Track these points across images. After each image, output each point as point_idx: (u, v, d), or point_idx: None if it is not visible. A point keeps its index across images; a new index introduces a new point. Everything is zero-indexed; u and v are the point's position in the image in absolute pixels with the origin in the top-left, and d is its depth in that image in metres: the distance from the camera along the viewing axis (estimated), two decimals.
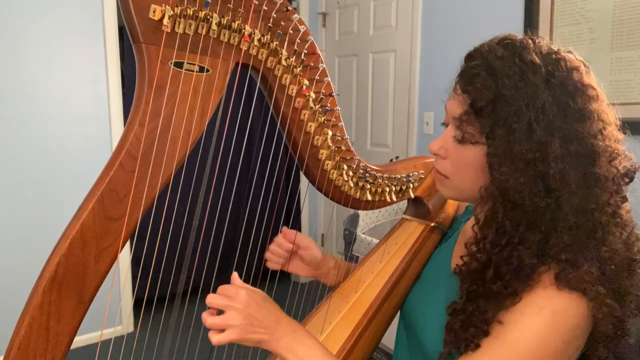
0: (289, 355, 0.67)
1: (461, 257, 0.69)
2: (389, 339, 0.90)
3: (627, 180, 0.65)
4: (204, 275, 2.76)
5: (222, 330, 0.65)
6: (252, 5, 0.66)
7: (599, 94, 0.65)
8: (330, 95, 0.77)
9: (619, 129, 0.66)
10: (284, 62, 0.71)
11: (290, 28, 0.70)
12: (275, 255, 0.96)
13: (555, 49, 0.66)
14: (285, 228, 0.94)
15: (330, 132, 0.79)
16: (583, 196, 0.61)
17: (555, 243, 0.62)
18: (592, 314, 0.60)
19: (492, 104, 0.62)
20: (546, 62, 0.63)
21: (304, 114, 0.76)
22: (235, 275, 0.71)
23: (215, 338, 0.65)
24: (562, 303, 0.60)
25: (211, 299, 0.67)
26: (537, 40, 0.66)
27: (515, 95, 0.61)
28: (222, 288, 0.69)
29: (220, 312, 0.67)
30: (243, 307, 0.66)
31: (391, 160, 0.94)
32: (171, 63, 0.61)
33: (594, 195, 0.62)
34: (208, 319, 0.65)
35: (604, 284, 0.61)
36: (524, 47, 0.64)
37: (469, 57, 0.67)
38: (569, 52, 0.66)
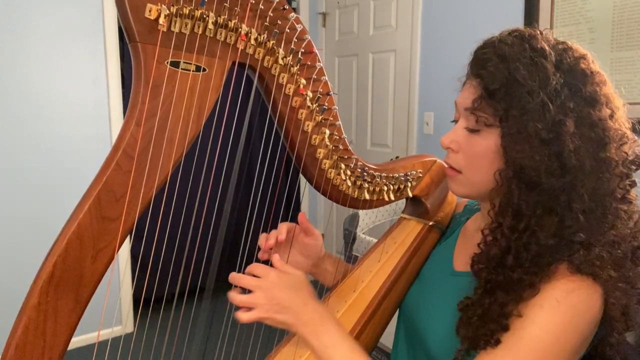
0: (313, 341, 0.67)
1: (478, 245, 0.69)
2: (388, 338, 0.90)
3: (635, 167, 0.66)
4: (202, 274, 2.76)
5: (250, 310, 0.67)
6: (249, 4, 0.66)
7: (606, 79, 0.66)
8: (328, 94, 0.77)
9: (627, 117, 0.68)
10: (280, 61, 0.71)
11: (287, 27, 0.70)
12: (268, 244, 0.83)
13: (561, 40, 0.67)
14: (302, 214, 0.89)
15: (327, 131, 0.79)
16: (596, 180, 0.62)
17: (570, 224, 0.62)
18: (604, 300, 0.61)
19: (505, 88, 0.63)
20: (555, 50, 0.65)
21: (302, 113, 0.76)
22: (276, 256, 0.73)
23: (244, 316, 0.67)
24: (579, 296, 0.60)
25: (239, 279, 0.68)
26: (544, 32, 0.68)
27: (527, 77, 0.62)
28: (252, 267, 0.70)
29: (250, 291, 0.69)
30: (269, 287, 0.68)
31: (391, 160, 0.94)
32: (167, 62, 0.61)
33: (605, 179, 0.63)
34: (236, 297, 0.67)
35: (615, 268, 0.61)
36: (532, 37, 0.66)
37: (480, 47, 0.68)
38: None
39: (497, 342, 0.61)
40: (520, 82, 0.62)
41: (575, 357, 0.62)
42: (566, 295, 0.60)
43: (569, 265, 0.62)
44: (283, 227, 0.86)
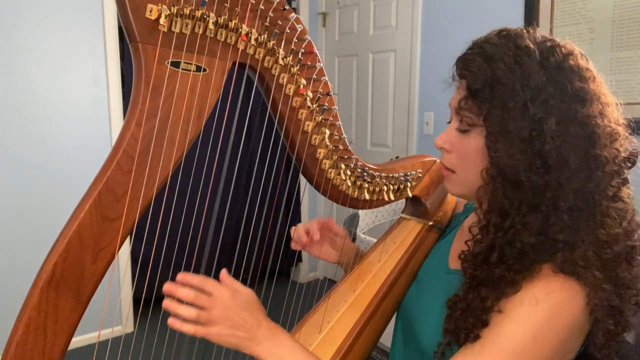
0: (270, 358, 0.66)
1: (465, 242, 0.69)
2: (388, 338, 0.90)
3: (629, 164, 0.65)
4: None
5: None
6: (249, 4, 0.66)
7: (596, 75, 0.65)
8: (328, 94, 0.77)
9: (619, 112, 0.66)
10: (281, 62, 0.71)
11: (287, 27, 0.70)
12: (301, 236, 0.91)
13: (549, 37, 0.67)
14: (330, 220, 0.94)
15: (327, 131, 0.79)
16: (584, 177, 0.61)
17: (554, 222, 0.62)
18: (588, 302, 0.60)
19: (488, 88, 0.63)
20: (541, 48, 0.64)
21: (302, 113, 0.76)
22: (224, 272, 0.68)
23: (187, 328, 0.63)
24: (560, 297, 0.60)
25: (187, 295, 0.64)
26: (531, 30, 0.67)
27: (509, 77, 0.62)
28: (202, 282, 0.66)
29: None
30: (223, 308, 0.65)
31: (391, 160, 0.94)
32: (168, 62, 0.61)
33: (595, 177, 0.62)
34: (181, 309, 0.63)
35: (601, 269, 0.60)
36: (518, 35, 0.65)
37: (468, 47, 0.69)
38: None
39: (477, 337, 0.61)
40: (501, 82, 0.62)
41: (557, 357, 0.61)
42: (546, 294, 0.60)
43: (552, 265, 0.61)
44: (314, 225, 0.90)
